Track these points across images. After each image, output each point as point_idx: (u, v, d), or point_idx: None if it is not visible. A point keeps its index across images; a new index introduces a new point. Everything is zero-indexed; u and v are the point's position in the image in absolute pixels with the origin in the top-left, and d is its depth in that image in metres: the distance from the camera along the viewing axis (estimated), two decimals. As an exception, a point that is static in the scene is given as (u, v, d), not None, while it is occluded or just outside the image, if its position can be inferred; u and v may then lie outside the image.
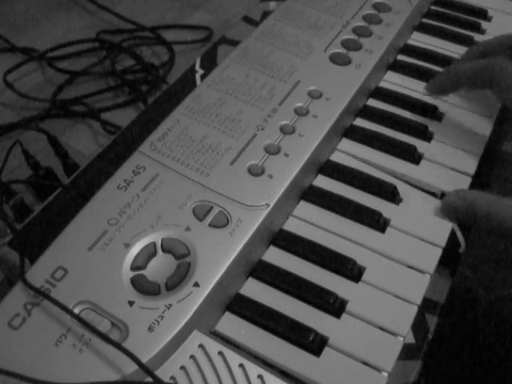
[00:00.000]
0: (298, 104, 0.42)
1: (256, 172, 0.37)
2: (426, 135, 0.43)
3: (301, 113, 0.41)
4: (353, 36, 0.48)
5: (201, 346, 0.30)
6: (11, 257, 0.34)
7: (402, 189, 0.39)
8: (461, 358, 0.44)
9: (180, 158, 0.38)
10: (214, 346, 0.31)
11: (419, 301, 0.33)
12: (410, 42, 0.51)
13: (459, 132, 0.43)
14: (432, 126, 0.43)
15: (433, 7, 0.55)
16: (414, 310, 0.33)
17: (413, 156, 0.41)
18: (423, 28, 0.53)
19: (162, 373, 0.29)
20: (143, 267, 0.33)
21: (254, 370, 0.30)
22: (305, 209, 0.38)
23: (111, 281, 0.32)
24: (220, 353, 0.30)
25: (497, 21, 0.54)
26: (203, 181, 0.36)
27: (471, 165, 0.41)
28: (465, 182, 0.40)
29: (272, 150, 0.39)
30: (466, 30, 0.52)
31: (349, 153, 0.42)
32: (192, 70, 0.46)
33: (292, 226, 0.37)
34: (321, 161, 0.41)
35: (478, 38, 0.51)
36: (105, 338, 0.29)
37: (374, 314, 0.33)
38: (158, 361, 0.29)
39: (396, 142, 0.42)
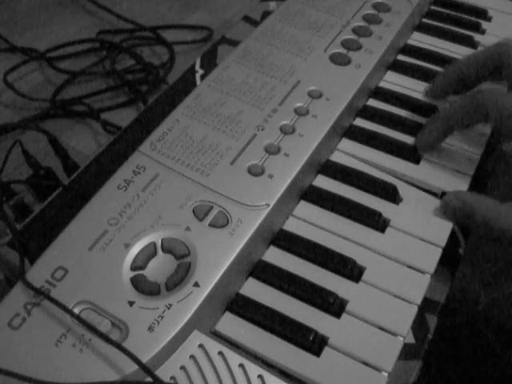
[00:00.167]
0: (298, 104, 0.42)
1: (256, 172, 0.37)
2: (425, 135, 0.43)
3: (301, 113, 0.41)
4: (353, 36, 0.48)
5: (201, 345, 0.30)
6: (11, 257, 0.34)
7: (402, 189, 0.39)
8: (461, 358, 0.44)
9: (180, 158, 0.38)
10: (213, 346, 0.31)
11: (419, 301, 0.33)
12: (410, 42, 0.51)
13: (459, 132, 0.43)
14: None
15: (433, 7, 0.55)
16: (414, 310, 0.33)
17: (413, 156, 0.41)
18: (423, 28, 0.53)
19: (162, 373, 0.29)
20: (143, 267, 0.33)
21: (254, 369, 0.30)
22: (305, 209, 0.38)
23: (111, 281, 0.32)
24: (220, 353, 0.30)
25: (497, 21, 0.54)
26: (203, 181, 0.36)
27: (471, 165, 0.41)
28: (465, 182, 0.40)
29: (272, 150, 0.39)
30: (465, 30, 0.52)
31: (349, 153, 0.42)
32: (192, 70, 0.46)
33: (292, 226, 0.37)
34: (321, 161, 0.41)
35: (477, 37, 0.51)
36: (105, 338, 0.29)
37: (373, 314, 0.33)
38: (158, 361, 0.29)
39: (396, 142, 0.42)
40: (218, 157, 0.38)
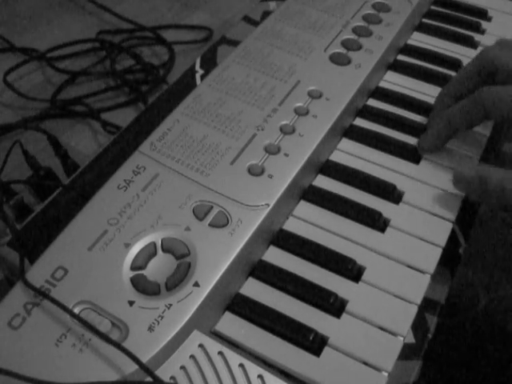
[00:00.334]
0: (298, 104, 0.42)
1: (256, 172, 0.37)
2: (426, 135, 0.43)
3: (301, 113, 0.41)
4: (353, 36, 0.48)
5: (201, 345, 0.30)
6: (11, 257, 0.34)
7: (402, 189, 0.39)
8: (461, 358, 0.44)
9: (180, 158, 0.38)
10: (213, 346, 0.31)
11: (419, 301, 0.33)
12: (410, 42, 0.51)
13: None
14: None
15: (433, 7, 0.55)
16: (414, 309, 0.33)
17: (413, 156, 0.41)
18: (423, 28, 0.53)
19: (162, 373, 0.29)
20: (143, 267, 0.33)
21: (254, 369, 0.30)
22: (305, 209, 0.38)
23: (111, 281, 0.32)
24: (220, 353, 0.30)
25: (497, 21, 0.54)
26: (203, 181, 0.36)
27: (471, 165, 0.41)
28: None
29: (272, 150, 0.39)
30: (466, 30, 0.52)
31: (349, 153, 0.42)
32: (192, 70, 0.46)
33: (292, 225, 0.37)
34: (321, 161, 0.41)
35: (477, 38, 0.51)
36: (105, 337, 0.29)
37: (373, 314, 0.33)
38: (158, 361, 0.29)
39: (396, 142, 0.42)
40: (218, 157, 0.38)
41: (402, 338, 0.32)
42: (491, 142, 0.43)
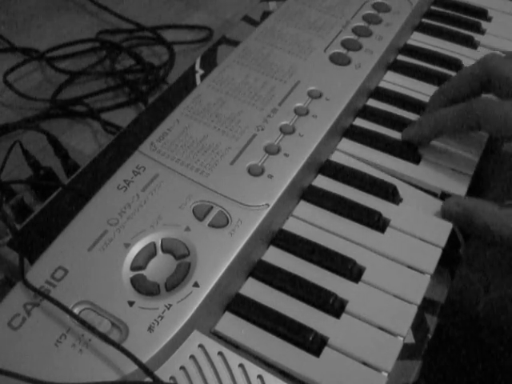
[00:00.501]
0: (298, 104, 0.42)
1: (256, 172, 0.37)
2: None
3: (301, 113, 0.41)
4: (353, 36, 0.48)
5: (201, 346, 0.30)
6: (11, 257, 0.34)
7: (402, 189, 0.39)
8: (461, 357, 0.44)
9: (180, 158, 0.38)
10: (213, 346, 0.31)
11: (419, 301, 0.33)
12: (410, 42, 0.51)
13: (459, 132, 0.43)
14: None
15: (433, 7, 0.55)
16: (414, 310, 0.33)
17: (413, 156, 0.41)
18: (423, 28, 0.53)
19: (162, 373, 0.29)
20: (143, 267, 0.33)
21: (254, 370, 0.30)
22: (305, 209, 0.38)
23: (111, 281, 0.32)
24: (220, 353, 0.30)
25: (497, 21, 0.54)
26: (203, 181, 0.36)
27: (471, 165, 0.41)
28: (464, 182, 0.40)
29: (272, 150, 0.39)
30: (466, 30, 0.52)
31: (349, 153, 0.42)
32: (192, 70, 0.46)
33: (292, 226, 0.37)
34: (321, 161, 0.41)
35: (477, 38, 0.51)
36: (105, 338, 0.29)
37: (373, 314, 0.33)
38: (157, 361, 0.29)
39: (396, 142, 0.42)
40: (218, 157, 0.38)
41: (401, 338, 0.32)
42: (491, 142, 0.43)
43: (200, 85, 0.44)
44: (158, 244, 0.34)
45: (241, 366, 0.30)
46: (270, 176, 0.37)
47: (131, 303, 0.31)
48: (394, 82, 0.47)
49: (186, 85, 0.44)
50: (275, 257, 0.35)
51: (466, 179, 0.40)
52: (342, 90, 0.43)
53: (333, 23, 0.49)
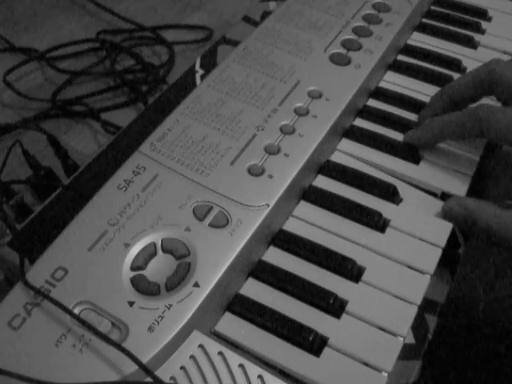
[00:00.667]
0: (298, 104, 0.42)
1: (256, 172, 0.37)
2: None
3: (301, 113, 0.41)
4: (353, 36, 0.48)
5: (201, 346, 0.30)
6: (11, 257, 0.34)
7: (402, 189, 0.39)
8: (461, 357, 0.44)
9: (180, 158, 0.38)
10: (213, 346, 0.31)
11: (419, 301, 0.33)
12: (410, 42, 0.51)
13: (462, 139, 0.42)
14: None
15: (433, 7, 0.55)
16: (414, 310, 0.33)
17: (413, 156, 0.41)
18: (423, 28, 0.53)
19: (162, 373, 0.29)
20: (143, 267, 0.33)
21: (253, 370, 0.30)
22: (305, 209, 0.38)
23: (111, 281, 0.32)
24: (220, 353, 0.30)
25: (497, 21, 0.54)
26: (203, 181, 0.36)
27: (471, 165, 0.41)
28: (465, 183, 0.40)
29: (272, 150, 0.39)
30: (466, 30, 0.52)
31: (349, 153, 0.42)
32: (192, 70, 0.46)
33: (292, 225, 0.37)
34: (321, 161, 0.41)
35: (477, 38, 0.51)
36: (105, 338, 0.29)
37: (374, 314, 0.33)
38: (158, 361, 0.29)
39: (396, 142, 0.42)
40: (218, 157, 0.38)
41: (401, 339, 0.32)
42: (491, 142, 0.43)
43: (200, 85, 0.44)
44: (158, 244, 0.34)
45: (241, 366, 0.30)
46: (270, 176, 0.37)
47: (131, 303, 0.31)
48: (394, 82, 0.47)
49: (186, 85, 0.44)
50: (275, 257, 0.35)
51: (466, 179, 0.40)
52: (342, 90, 0.43)
53: (333, 23, 0.49)
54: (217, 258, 0.33)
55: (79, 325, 0.30)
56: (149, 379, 0.29)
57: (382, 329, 0.32)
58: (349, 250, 0.36)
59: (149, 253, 0.33)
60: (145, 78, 0.68)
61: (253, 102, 0.42)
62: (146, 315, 0.30)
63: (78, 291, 0.31)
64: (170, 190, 0.36)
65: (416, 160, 0.41)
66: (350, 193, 0.39)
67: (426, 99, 0.45)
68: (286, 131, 0.40)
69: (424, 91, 0.46)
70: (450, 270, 0.36)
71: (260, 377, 0.30)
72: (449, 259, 0.36)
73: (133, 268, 0.33)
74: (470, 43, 0.51)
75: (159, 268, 0.33)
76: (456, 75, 0.47)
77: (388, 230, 0.37)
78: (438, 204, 0.38)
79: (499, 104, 0.42)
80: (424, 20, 0.53)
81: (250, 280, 0.34)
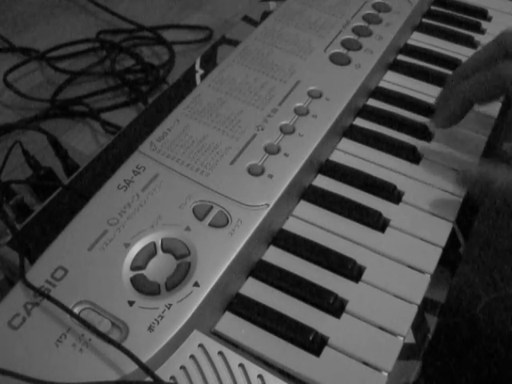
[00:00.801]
0: (298, 104, 0.42)
1: (256, 172, 0.37)
2: (425, 135, 0.43)
3: (301, 113, 0.41)
4: (353, 36, 0.48)
5: (201, 345, 0.30)
6: (11, 257, 0.34)
7: (402, 188, 0.39)
8: (461, 357, 0.44)
9: (180, 158, 0.38)
10: (213, 346, 0.31)
11: (419, 301, 0.33)
12: (410, 42, 0.51)
13: (459, 132, 0.43)
14: (432, 125, 0.43)
15: (433, 7, 0.55)
16: (414, 309, 0.33)
17: (413, 156, 0.41)
18: (423, 28, 0.53)
19: (162, 372, 0.29)
20: (143, 267, 0.33)
21: (253, 369, 0.30)
22: (305, 209, 0.38)
23: (111, 281, 0.32)
24: (220, 353, 0.30)
25: (497, 21, 0.54)
26: (203, 181, 0.36)
27: (471, 165, 0.41)
28: (465, 182, 0.40)
29: (272, 150, 0.39)
30: (466, 30, 0.52)
31: (349, 152, 0.42)
32: (192, 70, 0.46)
33: (292, 225, 0.37)
34: (321, 161, 0.41)
35: (478, 38, 0.51)
36: (105, 337, 0.29)
37: (373, 314, 0.33)
38: (158, 360, 0.29)
39: (396, 142, 0.42)
40: (218, 157, 0.38)
41: (401, 338, 0.32)
42: (491, 141, 0.43)
43: (200, 85, 0.44)
44: (158, 244, 0.34)
45: (241, 365, 0.30)
46: (270, 176, 0.37)
47: (131, 303, 0.31)
48: (394, 81, 0.47)
49: (186, 85, 0.44)
50: (275, 257, 0.36)
51: (466, 179, 0.40)
52: (342, 90, 0.43)
53: (333, 23, 0.49)
54: (217, 258, 0.33)
55: (79, 324, 0.30)
56: (149, 379, 0.29)
57: (382, 328, 0.32)
58: (349, 250, 0.36)
59: (149, 252, 0.33)
60: (145, 78, 0.68)
61: (253, 101, 0.42)
62: (146, 315, 0.30)
63: (78, 291, 0.31)
64: (170, 189, 0.36)
65: (416, 160, 0.41)
66: (349, 192, 0.39)
67: (426, 99, 0.45)
68: (286, 131, 0.40)
69: (424, 91, 0.46)
70: (450, 269, 0.36)
71: (260, 376, 0.30)
72: (449, 259, 0.36)
73: (133, 268, 0.33)
74: (470, 43, 0.51)
75: (159, 268, 0.33)
76: (456, 75, 0.47)
77: (388, 229, 0.37)
78: (438, 204, 0.38)
79: None
80: (424, 20, 0.53)
81: (250, 280, 0.34)
